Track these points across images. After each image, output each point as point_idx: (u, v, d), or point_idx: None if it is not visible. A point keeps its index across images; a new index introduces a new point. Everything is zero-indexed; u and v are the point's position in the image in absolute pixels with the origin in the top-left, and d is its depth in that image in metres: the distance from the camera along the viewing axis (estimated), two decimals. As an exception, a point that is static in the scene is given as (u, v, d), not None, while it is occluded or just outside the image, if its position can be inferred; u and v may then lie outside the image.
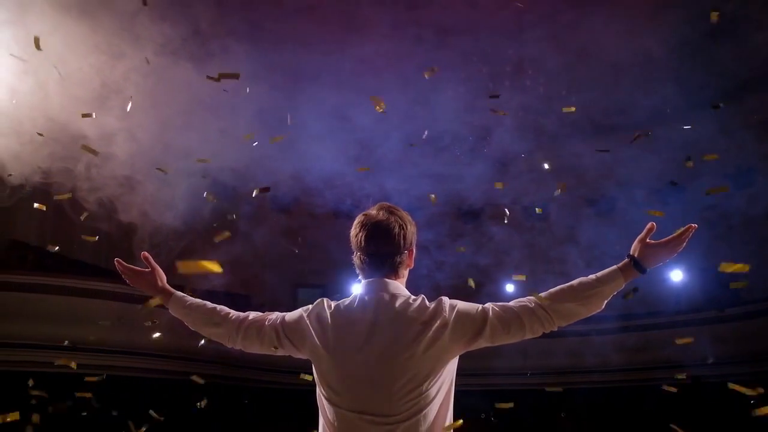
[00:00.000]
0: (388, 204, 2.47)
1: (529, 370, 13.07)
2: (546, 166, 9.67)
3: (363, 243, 2.39)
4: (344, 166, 9.13)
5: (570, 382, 13.16)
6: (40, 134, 5.23)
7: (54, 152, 6.11)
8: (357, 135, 9.55)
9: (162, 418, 5.49)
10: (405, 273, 2.47)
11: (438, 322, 2.25)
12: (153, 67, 6.01)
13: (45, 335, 9.69)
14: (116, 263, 2.73)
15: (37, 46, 4.56)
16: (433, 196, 4.71)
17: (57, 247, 9.64)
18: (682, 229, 2.36)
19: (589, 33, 10.38)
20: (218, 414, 10.98)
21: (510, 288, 14.04)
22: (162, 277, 2.66)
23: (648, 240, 2.35)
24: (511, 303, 2.35)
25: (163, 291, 2.64)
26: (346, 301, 2.39)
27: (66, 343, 6.64)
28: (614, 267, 2.34)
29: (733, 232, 12.33)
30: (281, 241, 12.30)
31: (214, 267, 2.31)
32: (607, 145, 11.71)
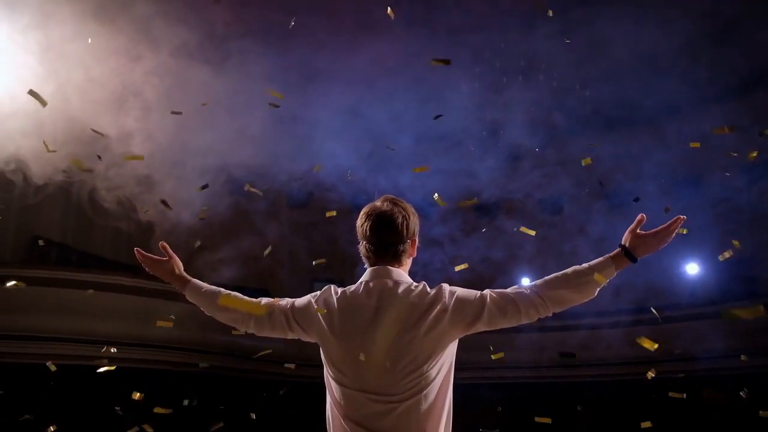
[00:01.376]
0: (392, 196, 2.60)
1: (545, 364, 13.18)
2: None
3: (368, 232, 2.52)
4: (358, 163, 9.28)
5: (583, 375, 13.25)
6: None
7: (75, 152, 6.29)
8: (370, 132, 9.69)
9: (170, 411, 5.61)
10: (408, 261, 2.60)
11: (438, 307, 2.38)
12: (169, 68, 6.18)
13: (65, 328, 9.90)
14: (136, 252, 2.84)
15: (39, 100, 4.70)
16: (436, 196, 4.84)
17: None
18: (671, 220, 2.45)
19: (598, 29, 10.45)
20: (235, 407, 11.14)
21: (525, 282, 14.14)
22: (179, 265, 2.79)
23: (638, 231, 2.46)
24: (509, 289, 2.46)
25: (180, 278, 2.77)
26: (352, 287, 2.52)
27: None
28: (606, 256, 2.45)
29: (745, 225, 12.36)
30: (297, 236, 12.47)
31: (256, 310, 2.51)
32: (617, 138, 11.76)
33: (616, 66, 11.42)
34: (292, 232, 12.29)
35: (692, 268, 13.92)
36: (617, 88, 11.68)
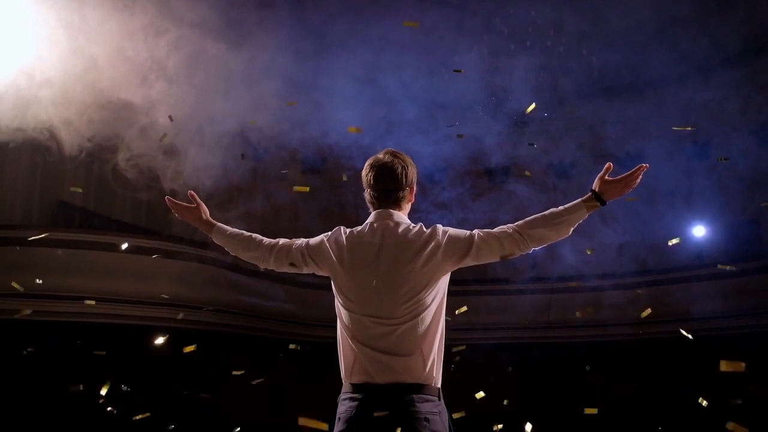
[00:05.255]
0: (392, 149, 2.98)
1: (551, 324, 13.42)
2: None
3: (372, 181, 2.91)
4: (370, 130, 9.58)
5: (589, 336, 13.52)
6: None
7: (103, 119, 6.65)
8: (381, 99, 9.97)
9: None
10: (407, 206, 2.99)
11: (433, 243, 2.77)
12: (189, 41, 6.51)
13: (88, 288, 10.20)
14: (167, 200, 3.20)
15: None
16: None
17: None
18: (635, 168, 2.80)
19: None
20: (252, 368, 11.42)
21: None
22: (206, 211, 3.16)
23: (606, 177, 2.81)
24: (494, 229, 2.83)
25: (207, 223, 3.13)
26: (359, 228, 2.91)
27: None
28: (579, 199, 2.80)
29: (748, 189, 12.57)
30: (308, 199, 12.76)
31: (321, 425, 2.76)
32: (623, 103, 11.94)
33: (620, 33, 11.58)
34: (303, 197, 12.59)
35: (699, 231, 13.98)
36: (621, 55, 11.86)
